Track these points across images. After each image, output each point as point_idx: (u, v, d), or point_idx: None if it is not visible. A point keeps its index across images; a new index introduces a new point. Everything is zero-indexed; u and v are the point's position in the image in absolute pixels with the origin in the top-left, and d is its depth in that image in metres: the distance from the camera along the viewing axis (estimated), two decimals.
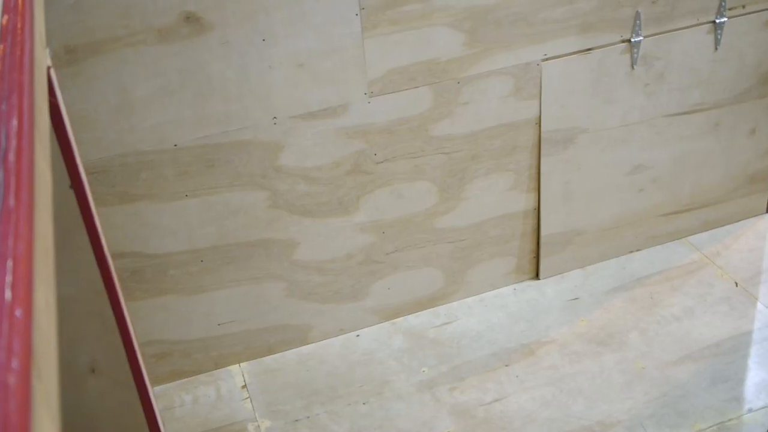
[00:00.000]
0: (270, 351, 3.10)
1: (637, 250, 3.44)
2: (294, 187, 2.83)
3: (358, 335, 3.16)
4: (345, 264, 3.03)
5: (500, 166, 3.05)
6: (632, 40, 2.99)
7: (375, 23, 2.67)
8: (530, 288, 3.31)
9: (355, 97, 2.76)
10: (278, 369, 3.06)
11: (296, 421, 2.84)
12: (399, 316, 3.21)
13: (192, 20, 2.49)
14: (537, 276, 3.34)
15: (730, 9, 3.07)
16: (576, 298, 3.24)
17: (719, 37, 3.10)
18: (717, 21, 3.07)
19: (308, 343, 3.14)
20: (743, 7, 3.10)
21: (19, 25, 0.96)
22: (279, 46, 2.61)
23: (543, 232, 3.23)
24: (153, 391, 2.81)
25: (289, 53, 2.63)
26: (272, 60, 2.62)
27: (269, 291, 2.99)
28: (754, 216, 3.58)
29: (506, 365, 2.97)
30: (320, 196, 2.88)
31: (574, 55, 2.96)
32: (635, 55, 3.02)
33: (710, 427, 2.70)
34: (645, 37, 3.00)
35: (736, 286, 3.24)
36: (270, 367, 3.07)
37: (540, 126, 3.03)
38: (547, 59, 2.93)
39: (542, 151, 3.07)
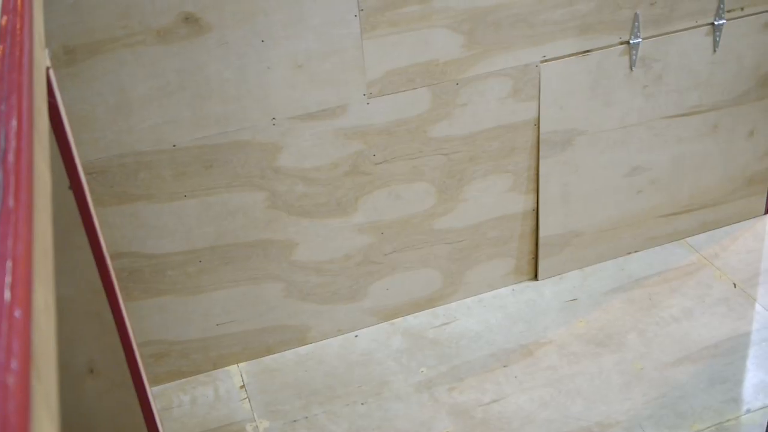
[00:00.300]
0: (268, 351, 3.10)
1: (636, 252, 3.44)
2: (292, 187, 2.83)
3: (356, 336, 3.16)
4: (343, 265, 3.03)
5: (499, 167, 3.06)
6: (631, 41, 2.99)
7: (374, 24, 2.67)
8: (529, 289, 3.31)
9: (353, 98, 2.77)
10: (276, 369, 3.06)
11: (294, 421, 2.84)
12: (397, 317, 3.21)
13: (191, 21, 2.49)
14: (536, 277, 3.34)
15: (728, 11, 3.08)
16: (574, 299, 3.25)
17: (718, 39, 3.11)
18: (715, 23, 3.07)
19: (307, 344, 3.14)
20: (742, 9, 3.10)
21: (18, 26, 0.96)
22: (278, 47, 2.61)
23: (541, 234, 3.24)
24: (151, 392, 2.81)
25: (287, 54, 2.63)
26: (271, 61, 2.62)
27: (267, 291, 2.99)
28: (753, 217, 3.59)
29: (505, 366, 2.97)
30: (318, 196, 2.88)
31: (573, 57, 2.96)
32: (634, 57, 3.02)
33: (708, 427, 2.71)
34: (643, 38, 3.00)
35: (735, 287, 3.24)
36: (268, 368, 3.07)
37: (538, 127, 3.03)
38: (545, 61, 2.93)
39: (541, 153, 3.08)
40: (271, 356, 3.11)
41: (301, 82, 2.69)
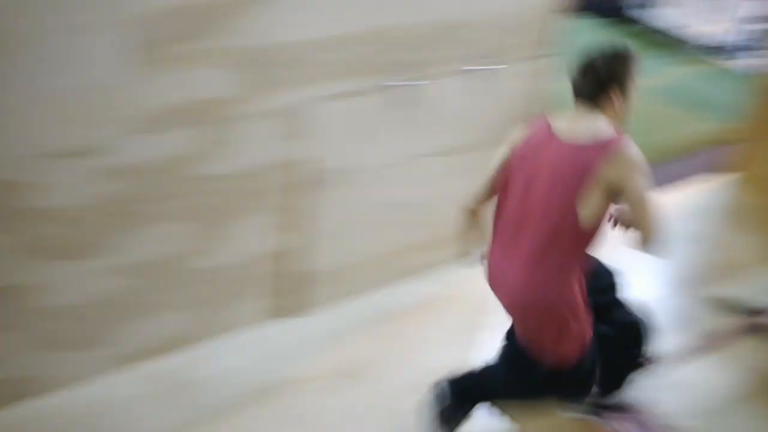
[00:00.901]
0: (1, 405, 2.78)
1: (390, 284, 3.51)
2: (41, 229, 2.56)
3: (99, 384, 2.92)
4: (90, 309, 2.79)
5: (262, 206, 2.97)
6: (392, 84, 3.04)
7: (145, 61, 2.47)
8: (283, 326, 3.26)
9: (114, 136, 2.55)
10: (9, 425, 2.76)
11: None
12: (145, 360, 3.01)
13: None
14: (292, 314, 3.29)
15: (483, 57, 3.20)
16: (327, 334, 3.26)
17: (473, 83, 3.22)
18: (471, 68, 3.20)
19: (46, 394, 2.84)
20: (495, 56, 3.23)
21: None
22: (35, 82, 2.34)
23: (300, 269, 3.20)
24: None
25: (46, 89, 2.37)
26: (25, 96, 2.34)
27: (2, 341, 2.68)
28: None
29: (256, 404, 2.91)
30: (69, 238, 2.62)
31: (341, 98, 2.95)
32: (395, 99, 3.07)
33: None
34: (404, 82, 3.06)
35: (470, 318, 3.40)
36: (1, 423, 2.75)
37: (304, 167, 2.99)
38: (314, 101, 2.89)
39: (305, 191, 3.04)
40: (4, 411, 2.78)
41: (59, 118, 2.43)
